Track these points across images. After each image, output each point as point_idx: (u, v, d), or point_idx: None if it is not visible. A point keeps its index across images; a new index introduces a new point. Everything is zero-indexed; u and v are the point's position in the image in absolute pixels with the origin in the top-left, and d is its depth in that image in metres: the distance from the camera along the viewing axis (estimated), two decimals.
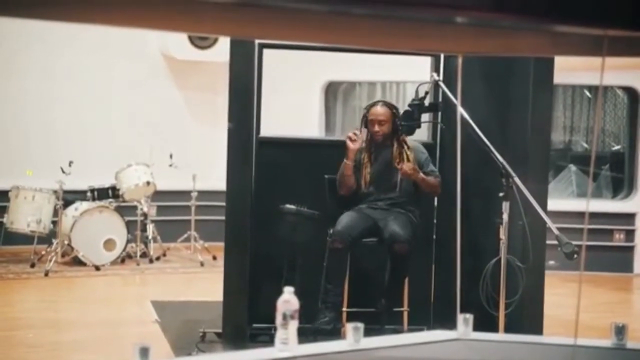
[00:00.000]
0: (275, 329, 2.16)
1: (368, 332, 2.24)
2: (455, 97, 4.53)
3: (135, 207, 8.13)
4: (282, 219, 5.04)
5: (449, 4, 1.61)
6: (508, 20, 1.69)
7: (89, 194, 7.94)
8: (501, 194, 4.10)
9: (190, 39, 8.80)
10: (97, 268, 7.61)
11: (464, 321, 2.39)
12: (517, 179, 4.08)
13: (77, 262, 7.70)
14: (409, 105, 4.81)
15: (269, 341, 2.66)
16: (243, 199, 4.99)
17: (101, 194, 7.98)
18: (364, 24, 1.76)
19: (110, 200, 7.98)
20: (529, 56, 4.50)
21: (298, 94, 9.16)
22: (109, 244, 7.84)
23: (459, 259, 2.47)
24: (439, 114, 5.26)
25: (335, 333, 4.83)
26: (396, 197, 5.20)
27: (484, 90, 5.13)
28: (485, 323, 3.01)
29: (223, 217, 5.06)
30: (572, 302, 5.93)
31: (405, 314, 5.20)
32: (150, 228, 8.21)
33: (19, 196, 7.78)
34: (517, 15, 1.66)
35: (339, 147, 5.14)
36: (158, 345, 4.94)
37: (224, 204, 5.03)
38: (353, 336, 2.20)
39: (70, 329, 5.84)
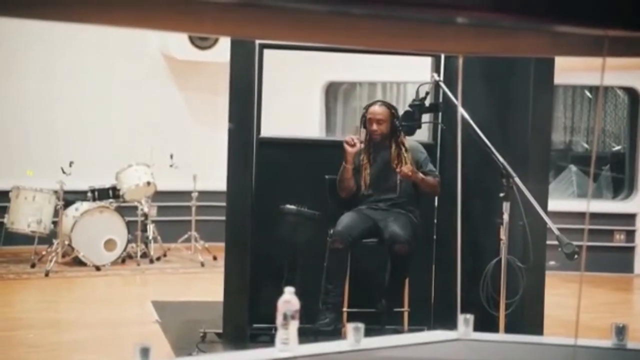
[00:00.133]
0: (275, 329, 2.16)
1: (368, 333, 2.24)
2: (456, 97, 4.53)
3: (135, 208, 8.13)
4: (282, 219, 5.04)
5: (449, 4, 1.61)
6: (508, 21, 1.69)
7: (89, 194, 7.94)
8: (502, 194, 4.09)
9: (191, 39, 8.80)
10: (98, 268, 7.61)
11: (465, 321, 2.39)
12: (517, 180, 4.08)
13: (78, 262, 7.70)
14: (410, 106, 4.81)
15: (270, 341, 2.65)
16: (243, 199, 4.99)
17: (102, 194, 7.98)
18: (364, 24, 1.76)
19: (111, 200, 7.99)
20: (529, 56, 4.50)
21: (298, 95, 9.16)
22: (109, 244, 7.84)
23: (460, 259, 2.47)
24: (440, 114, 5.27)
25: (336, 333, 4.83)
26: (396, 198, 5.20)
27: (485, 90, 5.14)
28: (485, 323, 3.01)
29: (223, 218, 5.07)
30: (572, 303, 5.93)
31: (406, 314, 5.19)
32: (151, 228, 8.21)
33: (20, 196, 7.79)
34: (517, 15, 1.66)
35: (340, 148, 5.14)
36: (158, 345, 4.94)
37: (224, 204, 5.03)
38: (353, 336, 2.20)
39: (70, 329, 5.84)
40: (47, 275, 7.30)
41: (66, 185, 7.60)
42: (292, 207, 5.00)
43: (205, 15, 1.73)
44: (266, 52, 5.15)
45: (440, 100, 5.01)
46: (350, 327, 2.22)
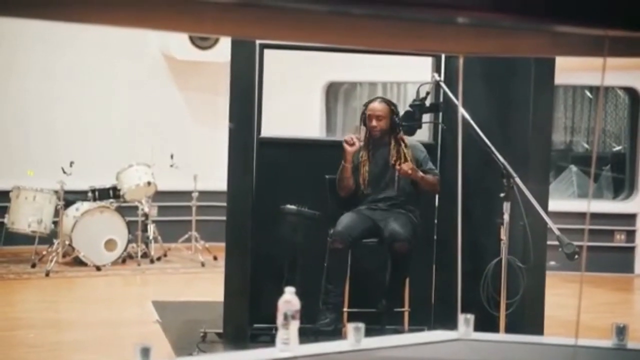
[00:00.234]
0: (276, 329, 2.16)
1: (369, 333, 2.24)
2: (456, 97, 4.53)
3: (136, 208, 8.13)
4: (282, 219, 5.04)
5: (449, 4, 1.61)
6: (508, 21, 1.69)
7: (89, 194, 7.94)
8: (502, 195, 4.09)
9: (191, 39, 8.81)
10: (98, 268, 7.61)
11: (465, 321, 2.39)
12: (518, 180, 4.08)
13: (78, 262, 7.70)
14: (410, 106, 4.81)
15: (270, 341, 2.65)
16: (244, 199, 4.99)
17: (102, 194, 7.99)
18: (365, 24, 1.76)
19: (111, 200, 7.99)
20: (529, 56, 4.50)
21: (299, 95, 9.16)
22: (109, 244, 7.85)
23: (460, 259, 2.47)
24: (440, 114, 5.27)
25: (336, 333, 4.83)
26: (395, 197, 5.20)
27: (485, 90, 5.13)
28: (486, 323, 3.01)
29: (224, 218, 5.06)
30: (572, 303, 5.92)
31: (406, 314, 5.19)
32: (151, 228, 8.21)
33: (20, 196, 7.79)
34: (517, 15, 1.66)
35: (340, 148, 5.14)
36: (159, 345, 4.94)
37: (224, 204, 5.03)
38: (354, 336, 2.20)
39: (71, 329, 5.84)
40: (47, 275, 7.30)
41: (67, 185, 7.60)
42: (293, 207, 5.00)
43: (206, 15, 1.73)
44: (266, 52, 5.15)
45: (441, 100, 5.01)
46: (350, 327, 2.21)
